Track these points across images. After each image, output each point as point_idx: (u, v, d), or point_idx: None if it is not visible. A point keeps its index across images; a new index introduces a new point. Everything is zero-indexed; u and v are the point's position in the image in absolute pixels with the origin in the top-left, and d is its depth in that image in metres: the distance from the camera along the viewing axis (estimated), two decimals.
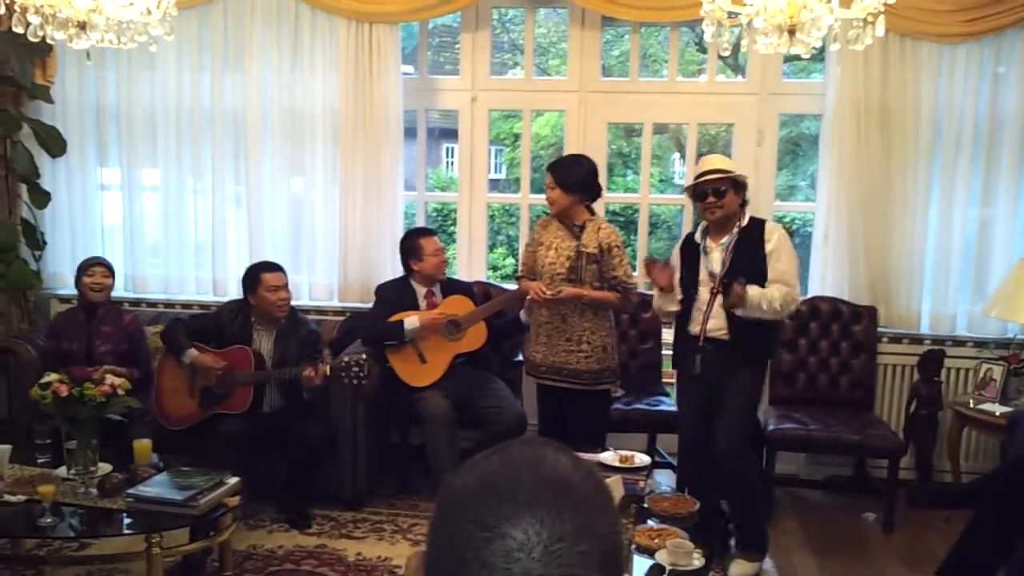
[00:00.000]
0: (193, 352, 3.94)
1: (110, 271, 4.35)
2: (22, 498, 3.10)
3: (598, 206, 4.52)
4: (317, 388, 3.93)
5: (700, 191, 3.53)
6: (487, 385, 4.17)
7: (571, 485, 0.76)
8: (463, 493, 0.76)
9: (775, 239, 3.53)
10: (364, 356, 3.87)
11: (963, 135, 4.41)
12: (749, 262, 3.49)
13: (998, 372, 4.27)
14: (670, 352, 3.91)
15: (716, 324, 3.52)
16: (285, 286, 4.09)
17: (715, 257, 3.56)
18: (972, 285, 4.56)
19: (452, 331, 4.13)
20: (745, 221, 3.57)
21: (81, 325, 4.28)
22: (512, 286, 4.45)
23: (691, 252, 3.67)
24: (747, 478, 3.58)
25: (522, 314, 4.01)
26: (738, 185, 3.53)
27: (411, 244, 4.26)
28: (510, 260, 10.03)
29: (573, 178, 3.80)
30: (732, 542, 3.69)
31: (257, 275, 4.05)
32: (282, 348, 4.05)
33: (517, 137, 10.97)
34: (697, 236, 3.67)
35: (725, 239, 3.56)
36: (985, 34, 4.30)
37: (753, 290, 3.40)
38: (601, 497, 0.78)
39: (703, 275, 3.58)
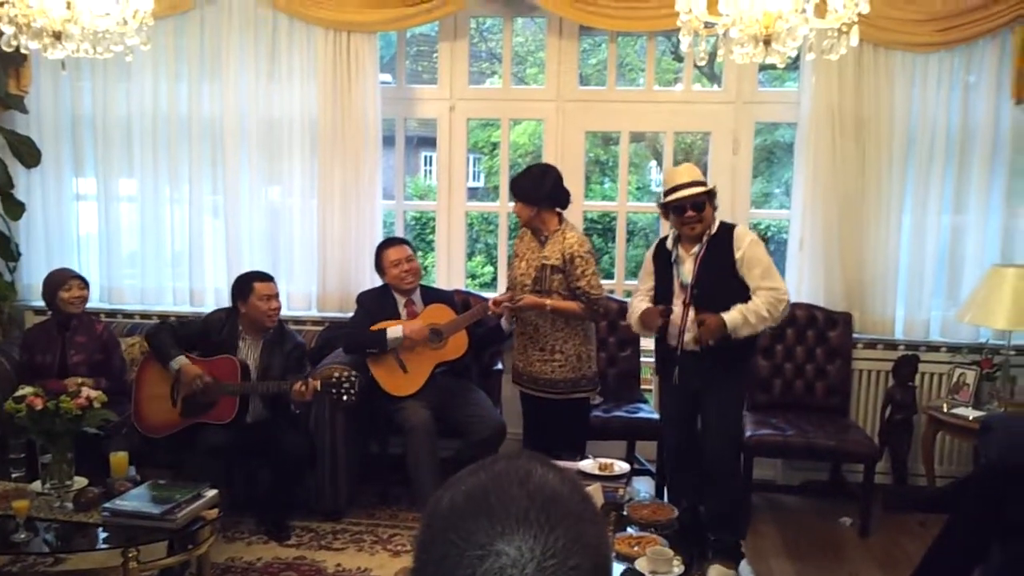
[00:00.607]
0: (182, 359, 3.91)
1: (85, 283, 4.30)
2: None
3: (576, 214, 4.57)
4: (307, 403, 3.91)
5: (678, 206, 3.49)
6: (467, 394, 4.17)
7: (561, 500, 0.77)
8: (453, 511, 0.76)
9: (745, 246, 3.49)
10: (354, 373, 3.84)
11: (935, 143, 4.47)
12: (718, 272, 3.48)
13: (971, 377, 4.32)
14: (649, 360, 3.93)
15: (692, 337, 3.51)
16: (276, 296, 4.09)
17: (687, 268, 3.55)
18: (945, 291, 4.62)
19: (434, 340, 4.13)
20: (715, 229, 3.55)
21: (54, 338, 4.23)
22: (491, 294, 4.46)
23: (663, 260, 3.66)
24: (731, 489, 3.62)
25: (503, 321, 4.02)
26: (712, 196, 3.53)
27: (377, 255, 4.27)
28: (488, 268, 10.05)
29: (528, 190, 3.79)
30: (709, 549, 3.71)
31: (249, 284, 4.04)
32: (268, 359, 4.04)
33: (495, 146, 10.98)
34: (669, 244, 3.64)
35: (696, 248, 3.54)
36: (956, 44, 4.37)
37: (734, 313, 3.38)
38: (589, 511, 0.79)
39: (676, 286, 3.57)
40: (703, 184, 3.52)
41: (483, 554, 0.72)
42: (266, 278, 4.09)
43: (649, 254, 3.79)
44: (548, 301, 3.72)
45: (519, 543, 0.72)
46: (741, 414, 3.78)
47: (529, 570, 0.71)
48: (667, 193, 3.56)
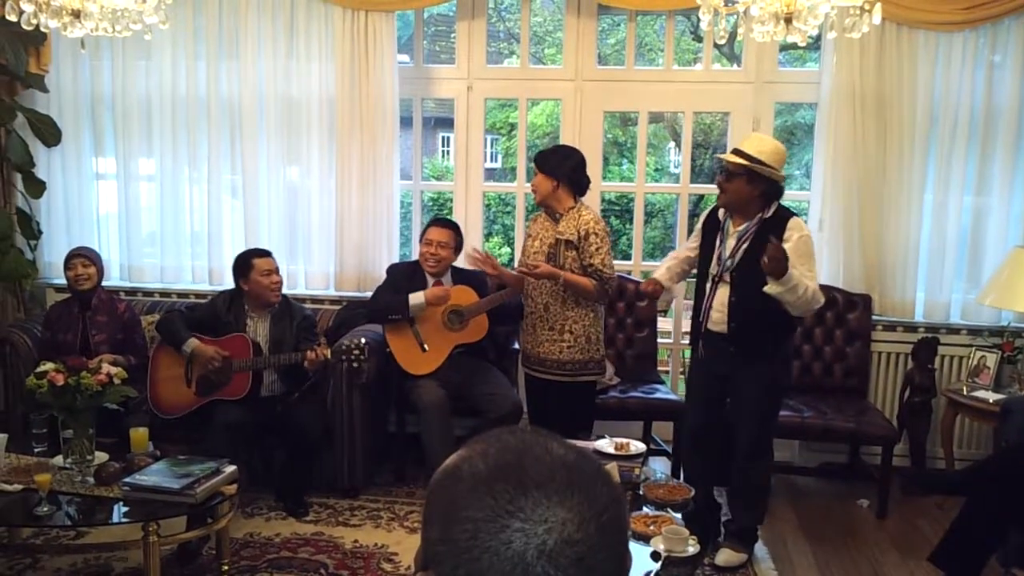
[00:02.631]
0: (194, 341, 3.95)
1: (90, 259, 4.29)
2: (19, 487, 3.10)
3: (593, 195, 4.56)
4: (322, 367, 3.95)
5: (718, 167, 3.43)
6: (483, 373, 4.19)
7: (578, 465, 0.80)
8: (486, 476, 0.78)
9: (795, 239, 3.28)
10: (364, 340, 3.88)
11: (958, 124, 4.41)
12: (762, 255, 3.20)
13: (992, 360, 4.29)
14: (666, 341, 3.90)
15: (717, 317, 3.42)
16: (276, 270, 4.12)
17: (729, 243, 3.41)
18: (966, 273, 4.58)
19: (454, 321, 4.14)
20: (769, 213, 3.35)
21: (75, 316, 4.26)
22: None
23: (712, 228, 3.50)
24: (757, 479, 3.56)
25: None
26: (755, 176, 3.30)
27: (423, 229, 4.36)
28: (506, 249, 10.04)
29: (553, 163, 3.77)
30: (722, 531, 3.71)
31: (248, 261, 4.08)
32: (279, 333, 4.07)
33: (513, 126, 10.95)
34: (720, 214, 3.49)
35: (743, 226, 3.38)
36: (981, 22, 4.30)
37: (794, 272, 3.15)
38: (602, 469, 0.82)
39: (714, 258, 3.44)
40: (752, 160, 3.30)
41: (549, 527, 0.74)
42: (264, 254, 4.13)
43: (702, 217, 3.63)
44: (562, 272, 3.69)
45: (577, 507, 0.75)
46: (774, 405, 3.55)
47: (592, 528, 0.75)
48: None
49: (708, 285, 3.46)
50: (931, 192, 4.51)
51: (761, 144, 3.38)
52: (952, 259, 4.55)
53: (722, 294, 3.40)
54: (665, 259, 3.87)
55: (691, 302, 3.75)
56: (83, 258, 4.27)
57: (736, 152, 3.36)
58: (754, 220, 3.36)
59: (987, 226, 4.52)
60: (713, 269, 3.45)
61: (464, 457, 0.80)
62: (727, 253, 3.40)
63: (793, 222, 3.35)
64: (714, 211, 3.55)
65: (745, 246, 3.35)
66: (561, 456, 0.79)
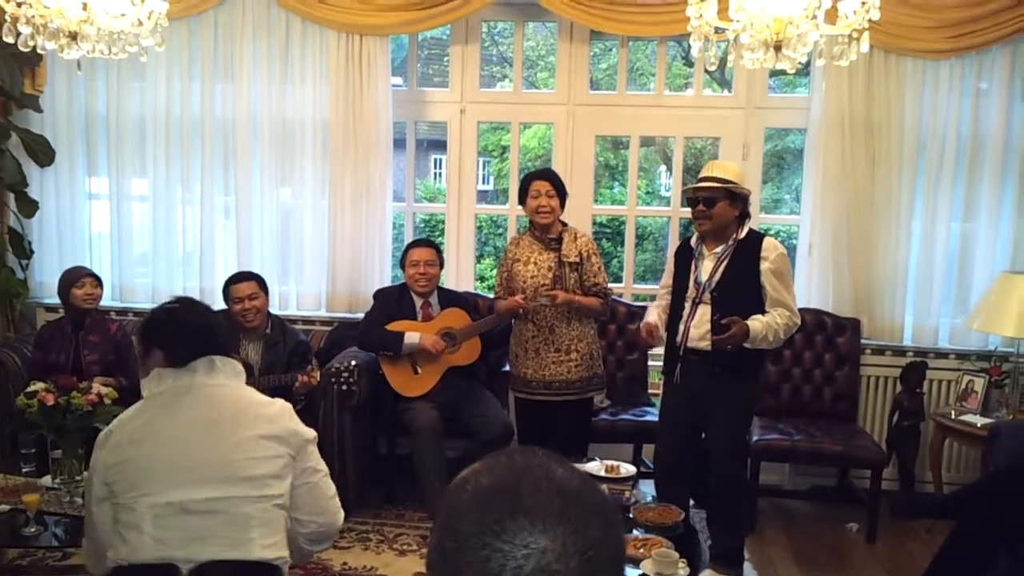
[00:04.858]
0: None
1: (98, 281, 4.33)
2: (6, 507, 3.09)
3: (585, 217, 4.64)
4: (310, 392, 3.96)
5: (691, 198, 3.47)
6: (475, 395, 4.19)
7: (584, 495, 0.80)
8: (479, 505, 0.78)
9: (773, 258, 3.40)
10: (354, 362, 3.88)
11: (946, 150, 4.47)
12: (741, 276, 3.40)
13: (979, 384, 4.31)
14: (657, 364, 3.93)
15: (698, 334, 3.46)
16: (251, 296, 4.11)
17: (706, 266, 3.49)
18: (954, 298, 4.62)
19: (447, 344, 4.15)
20: (743, 234, 3.47)
21: (68, 336, 4.25)
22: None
23: (685, 257, 3.60)
24: (735, 495, 3.58)
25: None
26: (734, 196, 3.43)
27: (404, 251, 4.34)
28: (495, 271, 10.05)
29: (561, 186, 3.90)
30: (706, 554, 3.70)
31: (227, 288, 4.14)
32: (271, 357, 4.07)
33: (504, 149, 11.02)
34: (693, 242, 3.59)
35: (719, 249, 3.48)
36: (968, 51, 4.37)
37: (756, 322, 3.31)
38: (608, 503, 0.82)
39: (691, 283, 3.51)
40: (727, 183, 3.42)
41: (528, 553, 0.74)
42: (240, 278, 4.15)
43: (671, 252, 3.78)
44: (577, 297, 3.76)
45: (562, 538, 0.75)
46: (748, 421, 3.70)
47: (574, 563, 0.74)
48: (692, 185, 3.54)
49: (687, 307, 3.51)
50: (919, 217, 4.56)
51: (725, 169, 3.51)
52: (940, 284, 4.58)
53: (703, 312, 3.46)
54: (652, 307, 3.80)
55: None
56: (93, 278, 4.28)
57: (708, 179, 3.46)
58: (730, 242, 3.47)
59: (975, 251, 4.56)
60: (691, 293, 3.52)
61: (475, 471, 0.82)
62: (705, 275, 3.48)
63: (768, 241, 3.47)
64: (685, 242, 3.66)
65: (724, 265, 3.45)
66: (562, 484, 0.79)
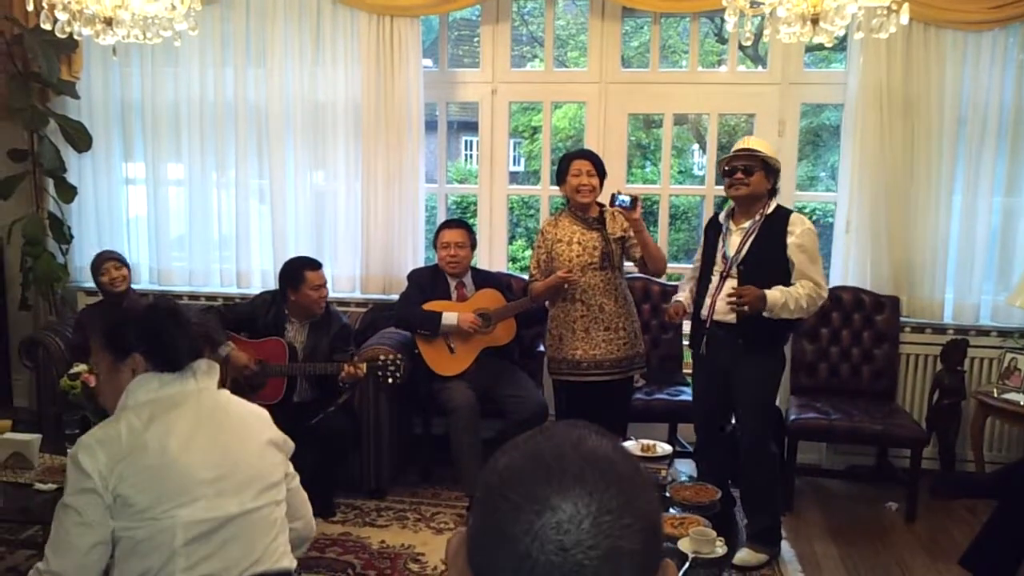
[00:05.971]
0: (230, 345, 3.97)
1: (121, 261, 4.38)
2: (52, 487, 3.15)
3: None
4: (356, 382, 3.95)
5: (730, 167, 3.49)
6: (510, 375, 4.20)
7: (614, 463, 0.79)
8: (511, 470, 0.78)
9: (799, 232, 3.42)
10: (400, 356, 3.89)
11: (987, 123, 4.37)
12: (767, 251, 3.44)
13: (1022, 362, 4.24)
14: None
15: (723, 307, 3.47)
16: (325, 283, 4.13)
17: (733, 240, 3.52)
18: (996, 274, 4.54)
19: (482, 325, 4.15)
20: (771, 209, 3.50)
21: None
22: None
23: (713, 232, 3.65)
24: (766, 472, 3.56)
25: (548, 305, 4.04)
26: (769, 169, 3.47)
27: (436, 232, 4.35)
28: (529, 252, 10.05)
29: (603, 170, 3.91)
30: (743, 533, 3.70)
31: (301, 272, 4.04)
32: (315, 341, 4.09)
33: (536, 130, 10.97)
34: (721, 217, 3.64)
35: (747, 223, 3.50)
36: (1011, 21, 4.26)
37: (776, 291, 3.34)
38: (641, 476, 0.81)
39: (718, 257, 3.55)
40: (764, 155, 3.47)
41: (540, 509, 0.74)
42: (316, 266, 4.11)
43: (704, 224, 3.81)
44: (648, 239, 3.85)
45: (575, 499, 0.74)
46: (772, 396, 3.67)
47: (585, 525, 0.73)
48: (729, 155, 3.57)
49: (715, 280, 3.54)
50: (960, 193, 4.47)
51: (760, 143, 3.55)
52: (981, 260, 4.50)
53: (730, 286, 3.46)
54: (684, 281, 3.89)
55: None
56: (113, 261, 4.34)
57: (745, 150, 3.49)
58: (757, 217, 3.50)
59: (1017, 226, 4.47)
60: (718, 266, 3.54)
61: (504, 450, 0.82)
62: (732, 250, 3.50)
63: (795, 216, 3.50)
64: (714, 217, 3.72)
65: (751, 240, 3.47)
66: (587, 451, 0.78)
